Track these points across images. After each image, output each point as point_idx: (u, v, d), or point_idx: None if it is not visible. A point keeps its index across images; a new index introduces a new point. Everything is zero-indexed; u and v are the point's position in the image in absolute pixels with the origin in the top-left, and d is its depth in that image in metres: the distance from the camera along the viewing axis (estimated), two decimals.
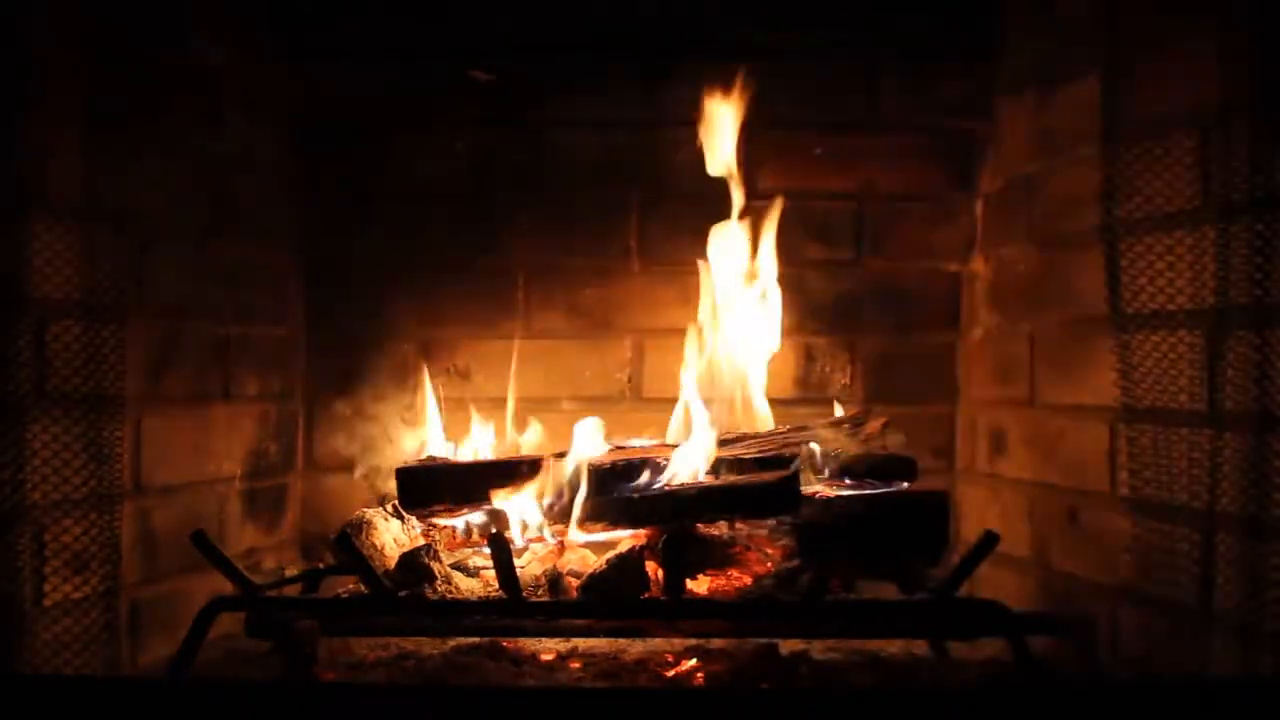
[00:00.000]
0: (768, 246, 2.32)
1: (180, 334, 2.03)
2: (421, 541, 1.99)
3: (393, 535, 2.01)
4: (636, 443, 2.16)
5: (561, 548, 2.05)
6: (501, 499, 2.01)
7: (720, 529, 2.01)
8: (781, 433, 2.15)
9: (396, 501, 2.06)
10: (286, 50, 2.37)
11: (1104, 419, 1.88)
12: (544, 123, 2.48)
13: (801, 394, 2.47)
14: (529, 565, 2.02)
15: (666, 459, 2.02)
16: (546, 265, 2.49)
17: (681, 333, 2.34)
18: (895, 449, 2.08)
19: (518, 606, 1.81)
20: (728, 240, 2.31)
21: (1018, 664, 1.72)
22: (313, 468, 2.50)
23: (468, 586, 1.91)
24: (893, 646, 2.04)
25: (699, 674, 1.86)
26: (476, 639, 1.97)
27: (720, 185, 2.34)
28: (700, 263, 2.33)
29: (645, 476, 1.99)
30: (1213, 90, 1.65)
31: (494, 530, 1.90)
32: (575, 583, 1.90)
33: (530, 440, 2.35)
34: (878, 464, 2.05)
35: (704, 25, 2.40)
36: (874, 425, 2.13)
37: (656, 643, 2.00)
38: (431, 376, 2.43)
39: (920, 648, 2.03)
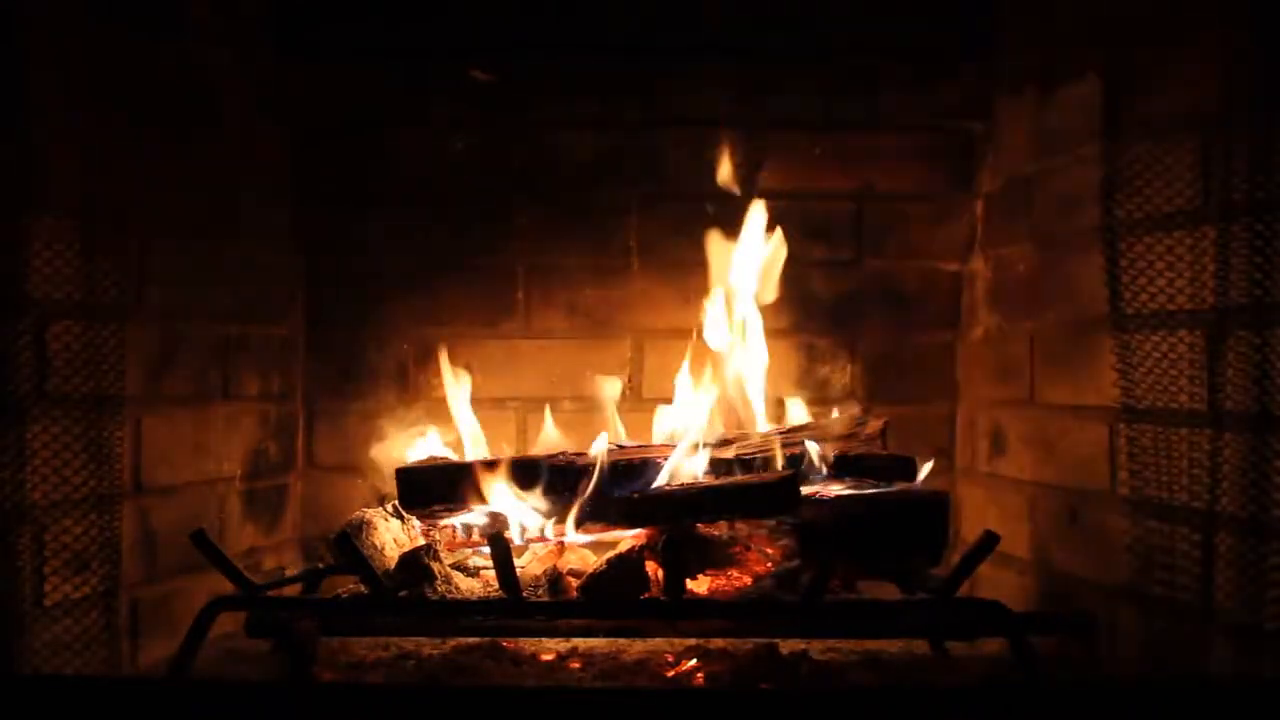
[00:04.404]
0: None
1: (180, 334, 2.03)
2: (421, 541, 1.99)
3: (393, 535, 2.01)
4: (635, 443, 2.16)
5: (561, 548, 2.05)
6: (502, 499, 2.01)
7: (720, 529, 2.01)
8: (782, 433, 2.15)
9: (396, 501, 2.06)
10: (287, 49, 2.37)
11: (1104, 419, 1.87)
12: (544, 122, 2.48)
13: (801, 394, 2.47)
14: (529, 565, 2.02)
15: (666, 459, 2.02)
16: (546, 265, 2.49)
17: (681, 333, 2.34)
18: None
19: (518, 606, 1.81)
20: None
21: (1018, 664, 1.72)
22: (313, 468, 2.50)
23: (468, 586, 1.91)
24: (893, 646, 2.04)
25: (699, 674, 1.86)
26: (476, 639, 1.97)
27: (719, 185, 2.36)
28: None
29: (646, 476, 1.99)
30: (1214, 90, 1.65)
31: (494, 530, 1.90)
32: (575, 583, 1.90)
33: (530, 440, 2.35)
34: (878, 464, 2.05)
35: (704, 26, 2.40)
36: (874, 425, 2.12)
37: (656, 643, 2.00)
38: (431, 376, 2.43)
39: (920, 648, 2.03)
